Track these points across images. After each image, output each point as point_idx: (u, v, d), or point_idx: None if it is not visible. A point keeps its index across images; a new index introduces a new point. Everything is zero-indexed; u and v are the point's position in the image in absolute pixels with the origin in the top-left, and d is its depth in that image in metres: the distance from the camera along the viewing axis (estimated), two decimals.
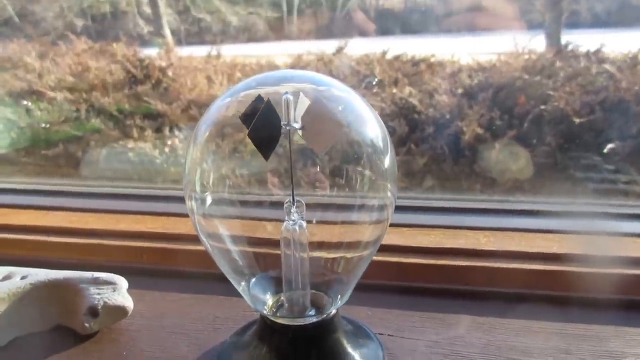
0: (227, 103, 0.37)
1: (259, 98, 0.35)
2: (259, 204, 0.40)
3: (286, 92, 0.35)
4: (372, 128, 0.38)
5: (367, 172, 0.38)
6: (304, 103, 0.36)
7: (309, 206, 0.38)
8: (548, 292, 0.50)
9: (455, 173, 1.50)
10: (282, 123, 0.35)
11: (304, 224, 0.38)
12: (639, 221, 0.58)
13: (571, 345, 0.44)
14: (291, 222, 0.38)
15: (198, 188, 0.37)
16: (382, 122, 0.38)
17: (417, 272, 0.54)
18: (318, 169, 0.38)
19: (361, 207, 0.39)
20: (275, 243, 0.39)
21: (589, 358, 0.42)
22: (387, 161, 0.38)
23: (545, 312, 0.48)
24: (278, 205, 0.38)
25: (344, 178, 0.38)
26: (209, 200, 0.38)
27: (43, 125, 1.99)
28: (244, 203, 0.39)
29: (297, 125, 0.36)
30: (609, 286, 0.49)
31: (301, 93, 0.36)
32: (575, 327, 0.46)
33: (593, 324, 0.46)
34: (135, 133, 1.85)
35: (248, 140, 0.34)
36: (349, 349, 0.41)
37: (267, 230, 0.40)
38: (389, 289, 0.53)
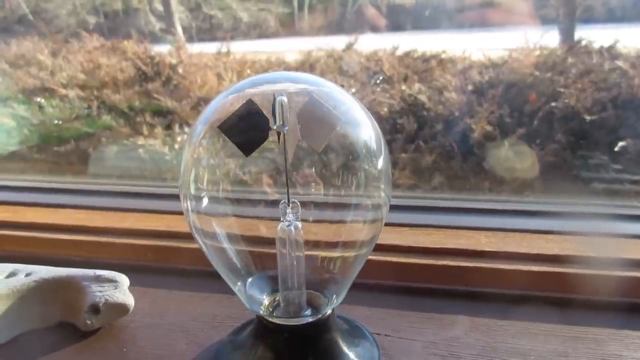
0: (222, 103, 0.38)
1: (249, 101, 0.35)
2: (254, 203, 0.40)
3: (280, 94, 0.36)
4: (366, 130, 0.38)
5: (361, 174, 0.38)
6: (298, 104, 0.36)
7: (305, 205, 0.39)
8: (548, 293, 0.50)
9: (464, 171, 1.49)
10: (276, 125, 0.35)
11: (300, 224, 0.39)
12: None
13: (569, 347, 0.44)
14: (286, 223, 0.39)
15: (192, 188, 0.38)
16: (376, 123, 0.38)
17: (417, 272, 0.53)
18: (313, 170, 0.39)
19: (356, 207, 0.39)
20: (271, 242, 0.39)
21: None
22: (380, 162, 0.38)
23: (544, 314, 0.48)
24: (274, 204, 0.39)
25: (338, 179, 0.38)
26: (204, 200, 0.38)
27: (55, 122, 2.01)
28: (239, 203, 0.39)
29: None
30: (609, 288, 0.48)
31: (284, 94, 0.36)
32: (574, 329, 0.46)
33: (592, 326, 0.46)
34: (145, 130, 1.87)
35: None
36: (345, 349, 0.41)
37: (263, 230, 0.40)
38: (388, 288, 0.53)
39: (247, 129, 0.35)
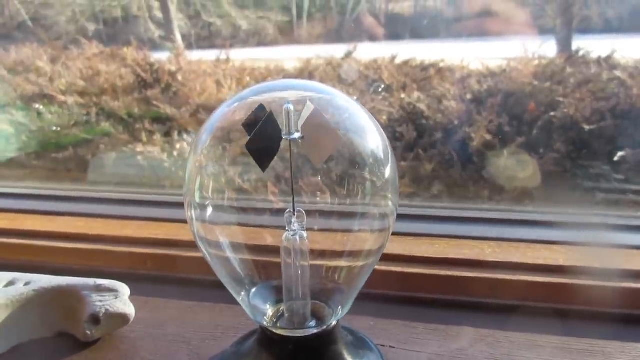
0: (226, 112, 0.37)
1: (260, 107, 0.35)
2: (259, 212, 0.39)
3: (287, 102, 0.35)
4: (373, 139, 0.37)
5: (368, 183, 0.38)
6: (305, 113, 0.36)
7: (310, 214, 0.38)
8: (554, 305, 0.50)
9: (463, 179, 1.49)
10: (282, 133, 0.35)
11: (305, 234, 0.38)
12: None
13: None
14: (291, 232, 0.38)
15: (197, 197, 0.37)
16: (383, 132, 0.38)
17: (421, 282, 0.53)
18: (319, 179, 0.38)
19: (362, 216, 0.39)
20: (275, 251, 0.39)
21: None
22: (387, 171, 0.38)
23: (550, 325, 0.47)
24: (279, 213, 0.38)
25: (344, 188, 0.38)
26: (209, 209, 0.38)
27: (54, 128, 2.01)
28: (244, 212, 0.38)
29: (297, 136, 0.35)
30: (616, 300, 0.48)
31: (307, 102, 0.36)
32: (580, 341, 0.45)
33: (599, 338, 0.45)
34: (144, 137, 1.87)
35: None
36: None
37: (268, 239, 0.40)
38: (392, 299, 0.53)
39: (260, 138, 0.34)
